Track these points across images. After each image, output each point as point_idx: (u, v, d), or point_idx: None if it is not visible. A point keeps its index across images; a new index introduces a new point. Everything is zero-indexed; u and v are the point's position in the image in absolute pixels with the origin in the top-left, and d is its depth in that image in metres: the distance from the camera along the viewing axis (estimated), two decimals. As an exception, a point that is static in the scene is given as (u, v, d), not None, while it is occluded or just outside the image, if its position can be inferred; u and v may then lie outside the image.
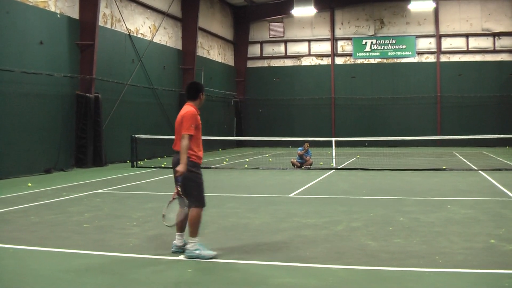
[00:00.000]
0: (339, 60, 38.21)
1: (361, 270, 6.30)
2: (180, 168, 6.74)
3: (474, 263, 6.54)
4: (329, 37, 38.16)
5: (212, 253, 6.63)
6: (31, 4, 18.48)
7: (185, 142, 6.80)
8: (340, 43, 38.20)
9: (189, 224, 6.87)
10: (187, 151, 6.78)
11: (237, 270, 6.31)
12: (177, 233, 7.10)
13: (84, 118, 20.72)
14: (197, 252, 6.54)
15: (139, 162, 22.05)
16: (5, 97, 17.33)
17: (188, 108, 7.06)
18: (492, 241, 7.66)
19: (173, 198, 6.79)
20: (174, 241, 7.13)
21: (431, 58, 36.69)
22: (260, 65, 39.61)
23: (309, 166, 20.19)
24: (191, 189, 6.84)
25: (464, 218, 9.54)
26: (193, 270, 6.33)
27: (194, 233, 6.81)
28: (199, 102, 7.24)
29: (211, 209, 10.76)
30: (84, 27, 21.03)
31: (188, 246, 6.71)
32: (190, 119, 6.88)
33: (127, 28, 24.55)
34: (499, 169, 18.69)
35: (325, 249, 7.35)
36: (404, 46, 36.92)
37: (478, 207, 10.76)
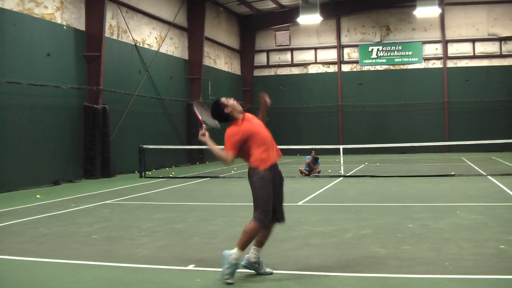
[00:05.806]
0: (345, 68, 38.20)
1: (370, 278, 6.27)
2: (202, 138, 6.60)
3: (484, 269, 6.49)
4: (335, 44, 38.18)
5: (231, 282, 6.02)
6: (37, 16, 18.61)
7: (223, 154, 6.44)
8: (346, 50, 38.20)
9: (242, 232, 6.27)
10: (218, 152, 6.46)
11: (245, 280, 6.28)
12: (253, 246, 6.34)
13: (92, 129, 20.80)
14: (226, 267, 6.05)
15: (147, 172, 22.06)
16: (13, 109, 17.42)
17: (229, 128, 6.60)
18: (502, 246, 7.62)
19: None
20: (247, 255, 6.35)
21: (438, 64, 36.64)
22: (266, 74, 39.62)
23: (317, 174, 20.17)
24: (256, 198, 6.50)
25: (474, 224, 9.49)
26: (201, 280, 6.31)
27: (240, 244, 6.16)
28: (232, 115, 6.73)
29: (221, 218, 10.82)
30: (91, 38, 21.16)
31: (230, 254, 6.12)
32: (227, 138, 6.51)
33: (133, 38, 24.65)
34: (508, 174, 18.59)
35: (334, 257, 7.33)
36: (410, 53, 36.88)
37: (487, 212, 10.70)
